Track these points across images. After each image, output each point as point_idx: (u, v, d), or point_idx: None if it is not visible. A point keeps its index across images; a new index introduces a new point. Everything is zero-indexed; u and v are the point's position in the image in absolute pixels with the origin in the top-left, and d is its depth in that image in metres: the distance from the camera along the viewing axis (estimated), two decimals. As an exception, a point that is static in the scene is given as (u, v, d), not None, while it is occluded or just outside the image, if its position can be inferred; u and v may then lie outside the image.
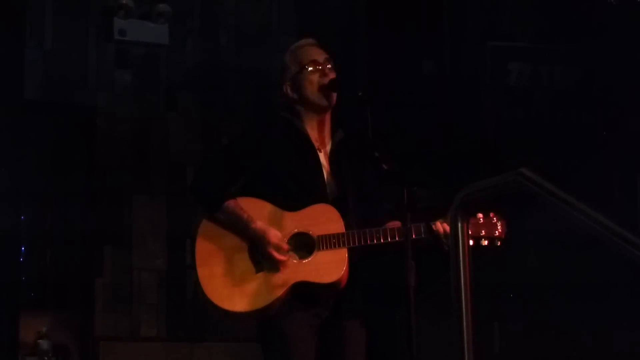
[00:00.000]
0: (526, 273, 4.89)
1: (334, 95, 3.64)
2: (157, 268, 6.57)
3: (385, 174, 3.45)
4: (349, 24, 7.05)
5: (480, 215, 3.55)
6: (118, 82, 6.69)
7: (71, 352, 6.45)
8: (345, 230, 3.52)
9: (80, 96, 6.61)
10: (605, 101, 6.33)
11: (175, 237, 6.52)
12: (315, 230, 3.53)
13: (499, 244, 3.58)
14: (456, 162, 6.22)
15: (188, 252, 6.31)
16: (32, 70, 6.46)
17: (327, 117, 3.73)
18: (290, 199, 3.59)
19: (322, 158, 3.68)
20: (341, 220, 3.54)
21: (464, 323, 2.18)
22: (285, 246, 3.52)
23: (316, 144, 3.68)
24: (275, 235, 3.52)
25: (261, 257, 3.54)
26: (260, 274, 3.54)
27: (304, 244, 3.54)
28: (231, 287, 3.54)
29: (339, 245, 3.50)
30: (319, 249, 3.51)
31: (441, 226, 3.48)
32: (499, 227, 3.57)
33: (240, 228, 3.57)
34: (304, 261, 3.53)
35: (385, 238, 3.50)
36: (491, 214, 3.57)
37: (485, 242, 3.55)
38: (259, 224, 3.54)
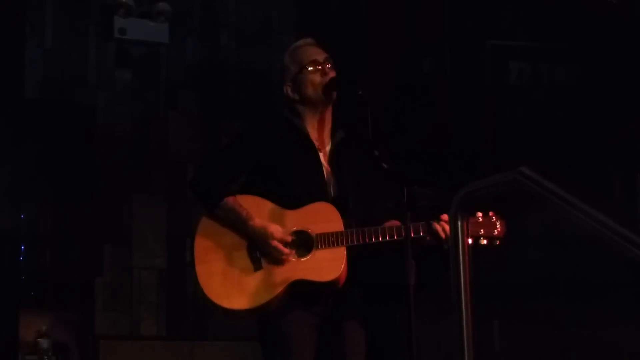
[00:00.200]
0: (526, 272, 4.89)
1: (335, 94, 3.65)
2: (157, 267, 6.57)
3: (385, 172, 3.45)
4: (349, 24, 7.05)
5: (479, 214, 3.55)
6: (118, 80, 6.69)
7: (71, 351, 6.46)
8: (344, 229, 3.52)
9: (81, 95, 6.61)
10: (605, 100, 6.32)
11: (176, 235, 6.51)
12: (314, 229, 3.53)
13: (497, 243, 3.57)
14: (456, 161, 6.22)
15: (188, 251, 6.30)
16: (32, 69, 6.46)
17: (328, 117, 3.73)
18: (290, 198, 3.59)
19: (322, 157, 3.69)
20: (340, 219, 3.53)
21: (464, 322, 2.18)
22: (289, 238, 3.52)
23: (316, 144, 3.69)
24: (277, 229, 3.52)
25: (260, 254, 3.54)
26: (258, 272, 3.54)
27: (302, 242, 3.54)
28: (229, 285, 3.54)
29: (338, 244, 3.50)
30: (317, 248, 3.51)
31: (440, 226, 3.48)
32: (498, 227, 3.56)
33: (239, 225, 3.57)
34: (303, 259, 3.53)
35: (384, 237, 3.49)
36: (490, 213, 3.56)
37: (484, 242, 3.54)
38: (258, 221, 3.54)
